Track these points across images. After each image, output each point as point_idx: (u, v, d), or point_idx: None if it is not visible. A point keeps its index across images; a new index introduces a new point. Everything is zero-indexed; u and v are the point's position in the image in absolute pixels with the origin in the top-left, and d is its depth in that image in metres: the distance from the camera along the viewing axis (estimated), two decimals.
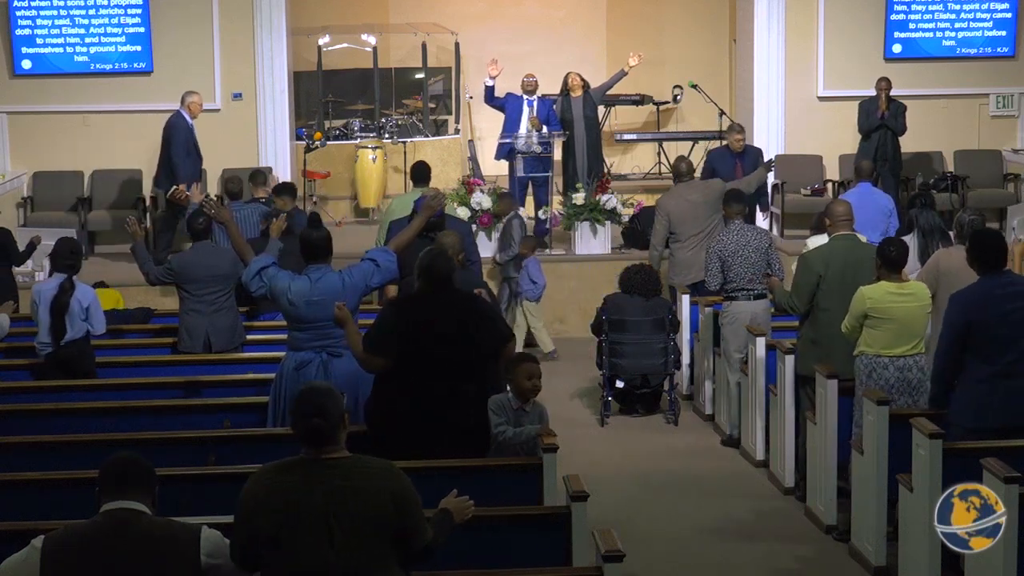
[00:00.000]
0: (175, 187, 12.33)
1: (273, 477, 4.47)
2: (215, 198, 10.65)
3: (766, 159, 13.19)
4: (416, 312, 6.42)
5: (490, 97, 13.92)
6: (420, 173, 10.81)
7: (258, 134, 14.78)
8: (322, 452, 4.44)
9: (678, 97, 16.99)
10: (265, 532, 4.38)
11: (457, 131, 16.68)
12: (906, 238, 8.97)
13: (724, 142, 13.23)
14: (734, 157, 12.72)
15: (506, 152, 13.67)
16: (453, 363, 6.30)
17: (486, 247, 12.89)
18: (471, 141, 16.17)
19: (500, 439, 6.31)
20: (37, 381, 8.39)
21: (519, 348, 10.08)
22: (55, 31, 14.56)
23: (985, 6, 15.34)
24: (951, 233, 9.41)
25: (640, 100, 16.83)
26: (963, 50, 15.39)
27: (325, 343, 7.06)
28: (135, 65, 14.62)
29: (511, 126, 13.74)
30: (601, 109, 15.25)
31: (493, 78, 13.81)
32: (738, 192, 10.50)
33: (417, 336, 6.30)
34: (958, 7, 15.34)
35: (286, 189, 11.17)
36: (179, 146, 13.10)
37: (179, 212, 12.18)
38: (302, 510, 4.35)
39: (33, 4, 14.54)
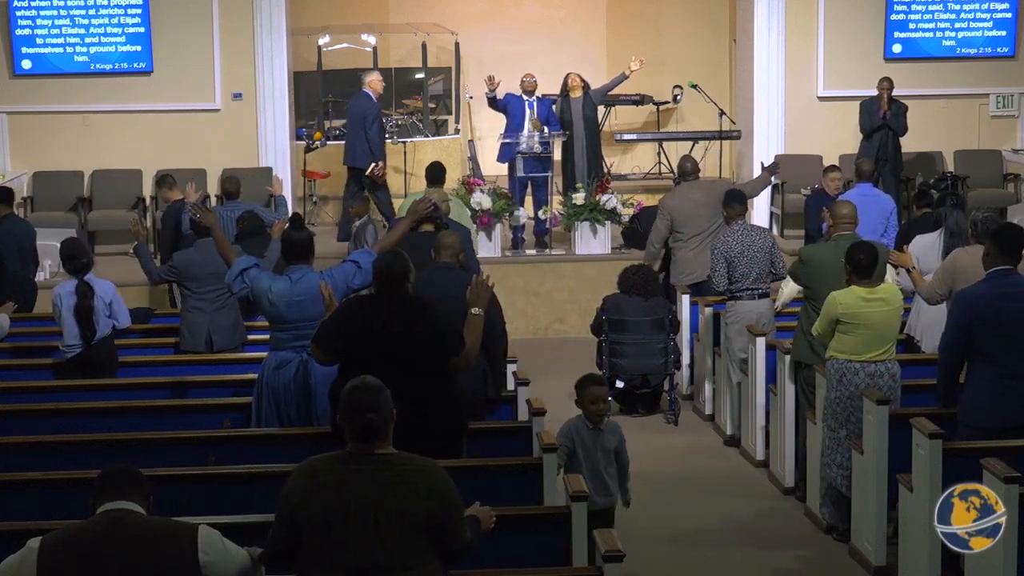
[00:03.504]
0: (375, 164, 13.17)
1: (322, 471, 4.52)
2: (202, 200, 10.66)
3: (767, 163, 13.08)
4: (365, 312, 6.37)
5: (492, 103, 13.94)
6: (433, 174, 10.63)
7: (258, 134, 14.78)
8: (373, 447, 4.51)
9: (678, 97, 16.97)
10: (312, 525, 4.43)
11: (457, 131, 16.67)
12: (932, 236, 8.94)
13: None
14: (832, 200, 11.26)
15: (510, 155, 13.64)
16: (401, 364, 6.15)
17: (486, 247, 12.88)
18: (471, 141, 16.15)
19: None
20: (59, 381, 8.37)
21: None
22: (55, 31, 14.56)
23: (985, 6, 15.34)
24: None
25: (640, 100, 16.81)
26: (963, 50, 15.39)
27: (305, 343, 7.00)
28: (135, 65, 14.62)
29: (514, 128, 13.73)
30: (601, 109, 15.24)
31: (493, 91, 13.79)
32: (739, 192, 10.43)
33: (364, 336, 6.25)
34: (958, 7, 15.34)
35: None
36: (375, 124, 13.67)
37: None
38: (352, 503, 4.42)
39: (33, 4, 14.53)
